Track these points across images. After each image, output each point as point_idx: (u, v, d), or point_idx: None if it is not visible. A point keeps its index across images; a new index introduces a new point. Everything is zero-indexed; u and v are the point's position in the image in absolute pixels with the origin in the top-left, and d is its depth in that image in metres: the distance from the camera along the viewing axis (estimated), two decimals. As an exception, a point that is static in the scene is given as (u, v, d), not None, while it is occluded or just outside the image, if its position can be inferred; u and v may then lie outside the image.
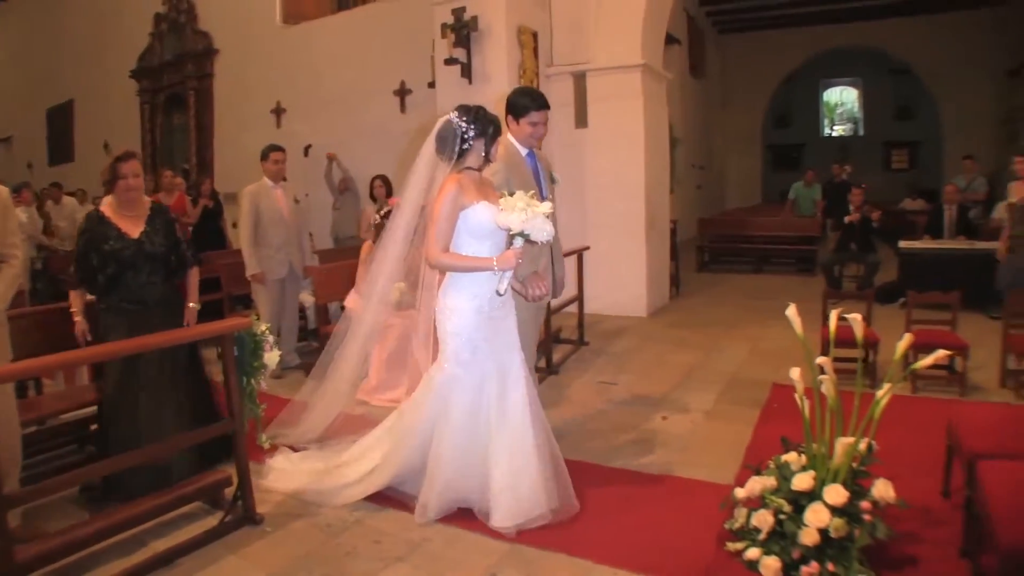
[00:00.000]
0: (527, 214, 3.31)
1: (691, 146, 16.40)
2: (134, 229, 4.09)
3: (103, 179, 4.10)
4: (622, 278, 8.30)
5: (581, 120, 8.48)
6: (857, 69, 22.02)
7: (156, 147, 14.93)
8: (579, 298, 7.10)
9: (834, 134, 23.23)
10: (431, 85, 8.80)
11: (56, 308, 4.59)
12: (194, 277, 4.51)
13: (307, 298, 7.17)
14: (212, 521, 3.62)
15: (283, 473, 4.09)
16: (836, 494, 2.85)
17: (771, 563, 2.90)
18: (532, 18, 8.25)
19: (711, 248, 12.76)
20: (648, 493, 3.83)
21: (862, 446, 3.00)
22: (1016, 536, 2.36)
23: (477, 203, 3.50)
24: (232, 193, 10.63)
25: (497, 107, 4.05)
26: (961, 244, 8.39)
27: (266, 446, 4.32)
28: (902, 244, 8.70)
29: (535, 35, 8.26)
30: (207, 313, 7.52)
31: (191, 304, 4.45)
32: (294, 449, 4.36)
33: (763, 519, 3.01)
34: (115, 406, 4.05)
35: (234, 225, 10.14)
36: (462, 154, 3.58)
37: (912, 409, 4.80)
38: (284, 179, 6.48)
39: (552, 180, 4.32)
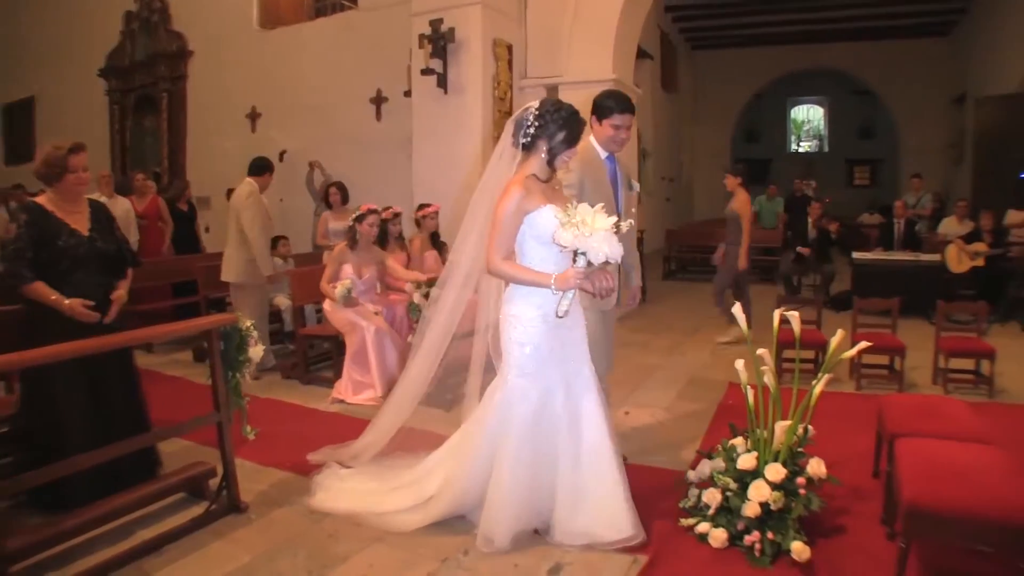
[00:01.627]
0: (580, 230, 3.04)
1: (661, 159, 16.92)
2: (81, 226, 3.94)
3: (48, 171, 3.86)
4: None
5: None
6: (823, 88, 22.90)
7: (126, 149, 14.84)
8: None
9: (800, 150, 24.01)
10: (407, 94, 9.12)
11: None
12: (129, 277, 4.25)
13: (283, 301, 7.45)
14: (197, 511, 3.78)
15: (331, 492, 3.91)
16: (775, 472, 3.27)
17: (718, 534, 3.31)
18: (507, 31, 8.62)
19: (678, 258, 13.30)
20: None
21: (800, 430, 3.44)
22: (916, 492, 2.82)
23: (544, 206, 3.28)
24: (205, 197, 10.88)
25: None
26: (907, 256, 9.08)
27: (251, 437, 4.38)
28: (855, 255, 9.36)
29: (510, 48, 8.65)
30: (186, 316, 7.83)
31: (119, 292, 4.07)
32: (343, 466, 4.20)
33: (712, 496, 3.43)
34: (65, 414, 3.79)
35: (207, 229, 10.42)
36: (525, 148, 3.38)
37: (855, 404, 5.33)
38: None
39: (630, 187, 4.21)
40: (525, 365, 3.39)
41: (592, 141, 4.00)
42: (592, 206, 3.27)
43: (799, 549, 3.13)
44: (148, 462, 4.18)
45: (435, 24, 8.01)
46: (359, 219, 6.12)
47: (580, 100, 8.47)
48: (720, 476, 3.45)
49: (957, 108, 16.11)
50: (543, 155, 3.35)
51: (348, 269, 6.09)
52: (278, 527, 3.70)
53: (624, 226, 3.20)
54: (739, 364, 3.56)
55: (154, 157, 14.19)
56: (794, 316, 3.54)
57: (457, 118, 8.18)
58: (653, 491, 3.90)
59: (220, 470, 3.88)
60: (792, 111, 24.30)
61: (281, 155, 11.29)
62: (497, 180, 3.48)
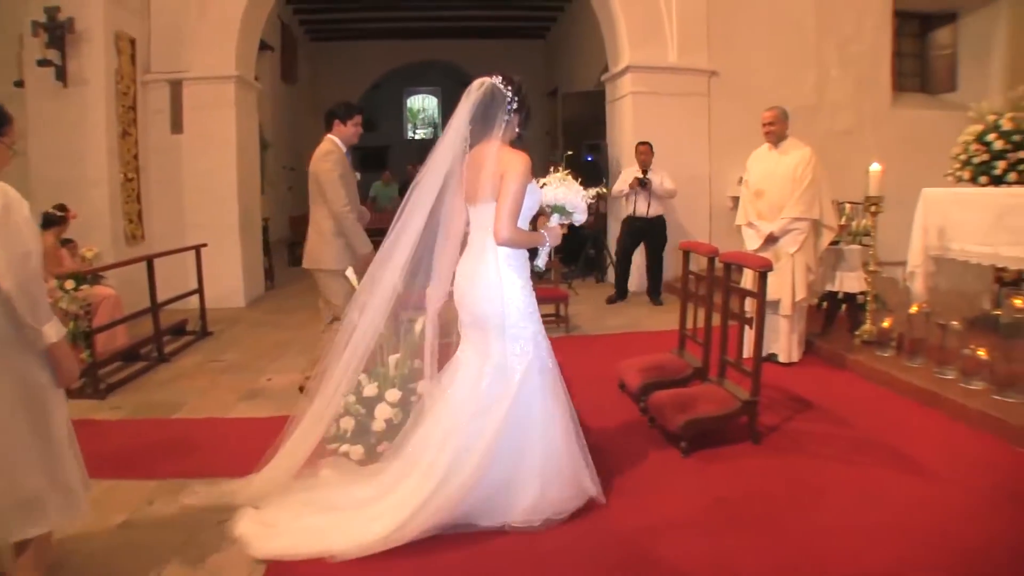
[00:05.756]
0: (578, 191, 3.76)
1: (282, 149, 17.55)
2: None
3: None
4: (220, 272, 9.23)
5: (177, 126, 9.34)
6: (437, 80, 25.19)
7: None
8: (200, 291, 8.20)
9: (416, 137, 26.18)
10: (18, 84, 8.84)
11: None
12: None
13: None
14: None
15: (270, 537, 3.47)
16: (393, 395, 4.45)
17: (357, 450, 4.34)
18: (130, 24, 8.82)
19: (303, 243, 14.10)
20: (264, 431, 4.81)
21: (409, 362, 4.67)
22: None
23: (532, 179, 3.57)
24: None
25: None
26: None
27: None
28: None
29: (133, 42, 8.87)
30: None
31: None
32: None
33: (348, 423, 4.48)
34: None
35: None
36: (506, 124, 3.59)
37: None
38: None
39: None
40: (537, 333, 3.66)
41: (335, 140, 5.41)
42: (346, 192, 5.13)
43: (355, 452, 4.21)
44: None
45: (51, 12, 7.95)
46: None
47: (207, 96, 9.09)
48: (352, 406, 4.54)
49: (552, 101, 18.99)
50: (516, 129, 3.67)
51: None
52: None
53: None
54: (354, 314, 4.69)
55: None
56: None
57: (80, 112, 8.27)
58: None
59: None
60: (408, 100, 26.40)
61: None
62: (451, 158, 3.65)
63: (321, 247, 5.54)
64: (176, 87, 9.30)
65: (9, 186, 2.82)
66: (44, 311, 2.92)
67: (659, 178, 9.10)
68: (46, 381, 3.00)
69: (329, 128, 5.54)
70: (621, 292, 9.65)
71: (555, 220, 3.80)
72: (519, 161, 3.48)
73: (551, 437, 3.60)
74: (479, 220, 3.63)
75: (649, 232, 9.27)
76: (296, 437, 3.92)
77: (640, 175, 9.04)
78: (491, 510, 3.57)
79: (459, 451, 3.46)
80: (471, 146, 3.62)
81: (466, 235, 3.75)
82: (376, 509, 3.52)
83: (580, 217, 3.84)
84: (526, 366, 3.56)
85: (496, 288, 3.55)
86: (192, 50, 9.28)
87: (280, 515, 3.61)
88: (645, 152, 9.25)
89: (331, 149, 5.40)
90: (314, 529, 3.47)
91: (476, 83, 3.62)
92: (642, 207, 9.20)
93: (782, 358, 6.43)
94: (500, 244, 3.51)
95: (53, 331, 2.94)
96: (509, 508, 3.56)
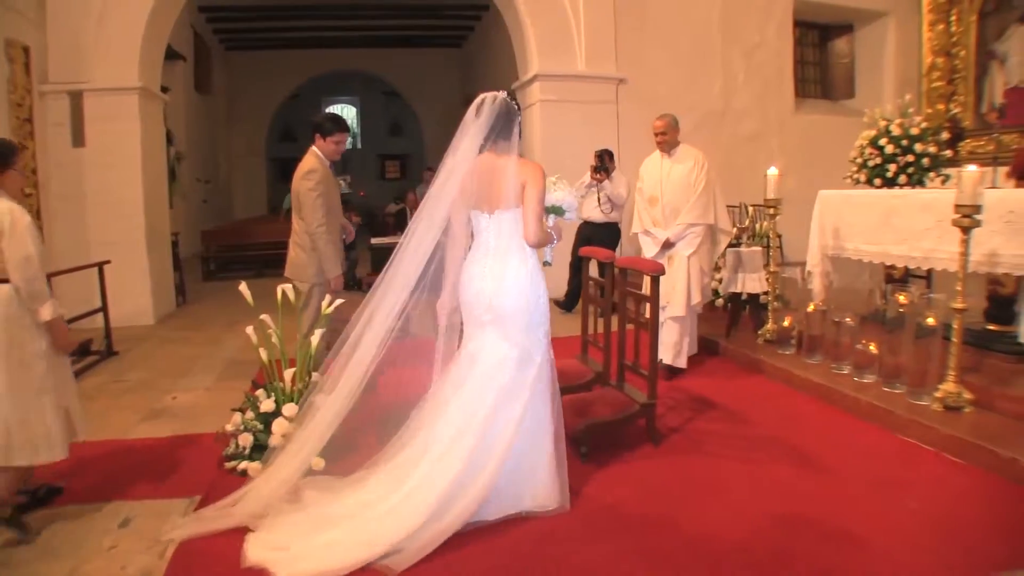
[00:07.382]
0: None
1: (196, 161, 17.35)
2: None
3: None
4: (128, 290, 9.04)
5: (78, 139, 9.00)
6: (355, 89, 25.09)
7: None
8: (104, 309, 7.99)
9: (336, 147, 26.06)
10: None
11: None
12: None
13: None
14: None
15: (288, 561, 3.35)
16: (290, 409, 4.43)
17: (255, 467, 4.28)
18: (23, 31, 8.41)
19: (216, 258, 14.00)
20: (163, 451, 5.01)
21: (306, 376, 4.65)
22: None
23: None
24: None
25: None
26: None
27: None
28: (372, 241, 11.22)
29: (27, 49, 8.45)
30: None
31: None
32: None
33: (246, 439, 4.48)
34: None
35: None
36: (516, 138, 3.87)
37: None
38: None
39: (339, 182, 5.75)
40: (548, 323, 3.94)
41: (319, 154, 5.40)
42: (329, 202, 5.26)
43: (317, 463, 4.10)
44: None
45: (-71, 18, 7.55)
46: None
47: (110, 108, 8.83)
48: (249, 422, 4.52)
49: (466, 108, 19.15)
50: (518, 141, 3.90)
51: None
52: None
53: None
54: (249, 329, 4.66)
55: None
56: (288, 288, 4.76)
57: (-34, 123, 7.83)
58: (202, 449, 4.87)
59: None
60: (326, 110, 26.09)
61: None
62: (466, 167, 3.86)
63: (304, 259, 5.49)
64: (76, 98, 8.94)
65: (12, 201, 3.68)
66: (42, 299, 3.73)
67: (614, 183, 8.68)
68: (43, 348, 3.80)
69: (313, 140, 5.51)
70: (569, 301, 9.32)
71: (552, 220, 4.15)
72: (538, 171, 3.76)
73: (558, 428, 3.88)
74: (500, 226, 3.81)
75: (597, 240, 8.48)
76: (286, 455, 3.95)
77: (595, 175, 8.60)
78: (501, 502, 3.75)
79: (483, 441, 3.63)
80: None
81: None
82: (385, 505, 3.57)
83: (572, 216, 4.33)
84: (542, 357, 3.83)
85: (526, 285, 3.78)
86: (93, 60, 8.93)
87: (288, 536, 3.52)
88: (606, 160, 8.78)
89: (314, 167, 5.31)
90: (335, 543, 3.41)
91: (489, 97, 3.85)
92: (590, 210, 8.74)
93: (676, 360, 6.50)
94: (532, 246, 3.80)
95: (47, 312, 3.74)
96: (520, 497, 3.80)
